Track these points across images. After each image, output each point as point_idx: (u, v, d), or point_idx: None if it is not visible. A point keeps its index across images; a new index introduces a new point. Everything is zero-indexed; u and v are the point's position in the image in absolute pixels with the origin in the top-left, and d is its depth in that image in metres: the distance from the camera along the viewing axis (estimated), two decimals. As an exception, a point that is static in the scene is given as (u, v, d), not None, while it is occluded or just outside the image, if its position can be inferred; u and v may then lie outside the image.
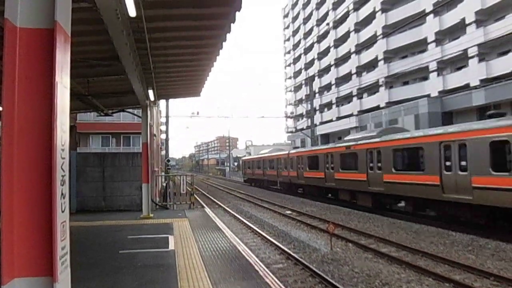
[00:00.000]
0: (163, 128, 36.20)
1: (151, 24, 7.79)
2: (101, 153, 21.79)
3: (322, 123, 53.42)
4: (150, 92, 13.23)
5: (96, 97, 13.83)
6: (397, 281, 8.50)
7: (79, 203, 17.43)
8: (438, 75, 33.17)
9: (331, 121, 51.08)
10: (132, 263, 8.19)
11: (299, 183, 30.17)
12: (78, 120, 32.30)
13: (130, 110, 19.33)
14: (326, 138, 52.01)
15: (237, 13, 7.99)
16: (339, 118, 48.65)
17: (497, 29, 25.09)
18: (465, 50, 27.53)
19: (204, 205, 23.88)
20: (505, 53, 27.30)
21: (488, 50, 28.63)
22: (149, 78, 12.13)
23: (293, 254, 10.83)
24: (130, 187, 18.01)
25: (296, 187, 31.78)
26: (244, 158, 51.95)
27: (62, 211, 3.00)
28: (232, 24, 8.49)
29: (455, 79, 31.13)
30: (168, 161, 30.30)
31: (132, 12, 6.37)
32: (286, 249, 11.45)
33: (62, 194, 2.99)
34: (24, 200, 2.80)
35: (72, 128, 31.14)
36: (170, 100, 31.28)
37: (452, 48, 29.09)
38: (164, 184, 25.00)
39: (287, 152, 34.21)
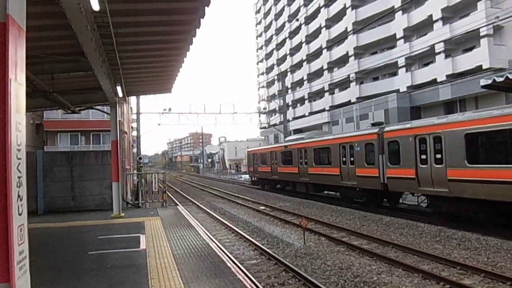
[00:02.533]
0: (135, 125, 35.56)
1: (117, 18, 7.56)
2: (69, 151, 21.13)
3: (295, 118, 53.75)
4: (119, 89, 12.91)
5: (62, 94, 13.38)
6: (368, 273, 8.66)
7: (47, 204, 16.89)
8: (407, 70, 33.93)
9: (303, 116, 51.45)
10: (102, 264, 7.99)
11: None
12: (45, 118, 31.23)
13: (99, 108, 18.84)
14: (298, 133, 52.33)
15: (206, 8, 7.89)
16: (311, 113, 49.05)
17: (462, 26, 25.88)
18: (432, 46, 28.26)
19: (178, 203, 23.62)
20: (469, 49, 28.20)
21: (454, 47, 29.49)
22: (117, 75, 11.82)
23: (266, 249, 10.86)
24: (100, 186, 17.59)
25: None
26: (253, 149, 37.89)
27: (20, 214, 2.85)
28: (201, 19, 8.37)
29: (423, 75, 31.92)
30: (140, 158, 29.80)
31: (95, 5, 6.17)
32: (259, 245, 11.47)
33: (19, 196, 2.84)
34: (-23, 204, 2.65)
35: (39, 126, 30.11)
36: (142, 97, 30.74)
37: (420, 44, 29.78)
38: (136, 182, 24.57)
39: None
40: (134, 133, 37.45)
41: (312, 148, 23.35)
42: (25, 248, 2.97)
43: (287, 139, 30.37)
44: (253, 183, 37.75)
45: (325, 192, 24.34)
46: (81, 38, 7.62)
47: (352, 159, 19.21)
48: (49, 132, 32.58)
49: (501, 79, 12.85)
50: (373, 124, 20.25)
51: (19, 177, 2.86)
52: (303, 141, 25.05)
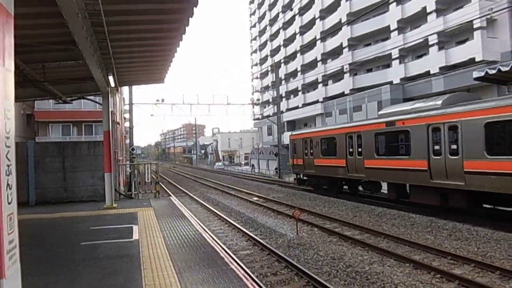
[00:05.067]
0: (127, 116, 35.33)
1: (108, 6, 7.43)
2: (61, 142, 20.90)
3: (288, 109, 53.72)
4: (111, 79, 12.76)
5: (53, 84, 13.19)
6: (360, 263, 8.73)
7: (38, 194, 16.75)
8: (400, 62, 33.96)
9: (297, 107, 51.43)
10: (94, 254, 7.96)
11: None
12: (36, 108, 30.88)
13: (91, 98, 18.64)
14: (292, 124, 52.44)
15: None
16: (305, 105, 49.04)
17: (455, 18, 25.89)
18: (426, 39, 28.27)
19: (171, 194, 23.61)
20: (463, 42, 28.26)
21: (447, 39, 29.53)
22: (109, 64, 11.67)
23: (259, 240, 10.91)
24: (93, 177, 17.47)
25: None
26: (303, 132, 25.22)
27: (9, 203, 2.81)
28: (194, 8, 8.26)
29: (416, 67, 31.96)
30: (133, 149, 29.64)
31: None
32: (252, 235, 11.51)
33: (8, 184, 2.80)
34: (-35, 192, 2.61)
35: (30, 116, 29.77)
36: (134, 88, 30.51)
37: (414, 36, 29.75)
38: (129, 173, 24.48)
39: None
40: (127, 124, 37.24)
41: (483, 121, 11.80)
42: (15, 237, 2.93)
43: (387, 110, 17.54)
44: (298, 182, 25.48)
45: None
46: (72, 26, 7.49)
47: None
48: (41, 122, 32.26)
49: (494, 72, 12.92)
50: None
51: (8, 166, 2.81)
52: (448, 110, 13.26)
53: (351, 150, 18.56)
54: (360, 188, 19.70)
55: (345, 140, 18.95)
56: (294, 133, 26.68)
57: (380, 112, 18.36)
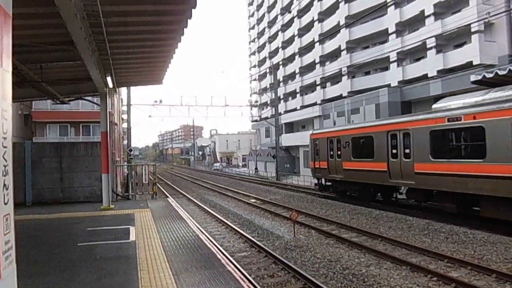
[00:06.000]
0: (125, 117, 35.29)
1: (107, 7, 7.44)
2: (58, 142, 20.85)
3: (286, 111, 53.77)
4: (109, 79, 12.73)
5: (50, 84, 13.16)
6: (357, 265, 8.74)
7: (35, 195, 16.70)
8: (398, 65, 34.05)
9: (295, 109, 51.48)
10: (91, 255, 7.93)
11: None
12: (33, 108, 30.81)
13: (89, 98, 18.62)
14: (290, 126, 52.47)
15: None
16: (303, 107, 49.09)
17: (454, 22, 26.01)
18: (424, 42, 28.37)
19: (168, 195, 23.57)
20: (460, 45, 28.37)
21: (445, 42, 29.64)
22: (107, 65, 11.65)
23: (257, 242, 10.90)
24: (90, 177, 17.43)
25: None
26: (327, 131, 22.16)
27: (5, 203, 2.80)
28: (193, 10, 8.27)
29: (414, 70, 32.06)
30: (131, 150, 29.63)
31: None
32: (250, 237, 11.50)
33: (5, 185, 2.79)
34: (-39, 193, 2.60)
35: (27, 117, 29.70)
36: (132, 88, 30.52)
37: (412, 39, 29.88)
38: (126, 175, 24.43)
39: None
40: (125, 125, 37.18)
41: None
42: (11, 238, 2.92)
43: (447, 102, 14.53)
44: (320, 188, 22.28)
45: None
46: (70, 27, 7.48)
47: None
48: (38, 123, 32.17)
49: (491, 75, 12.99)
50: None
51: (4, 166, 2.80)
52: None
53: (394, 151, 15.58)
54: (395, 195, 17.23)
55: (387, 140, 15.91)
56: (316, 131, 23.35)
57: (435, 105, 15.09)
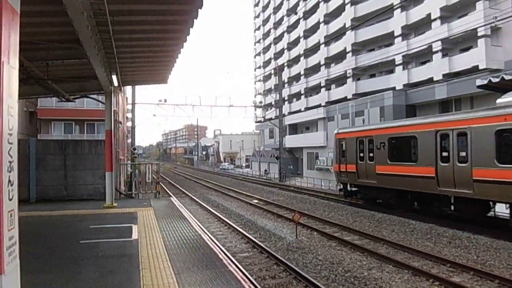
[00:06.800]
0: (130, 115, 35.38)
1: (113, 6, 7.46)
2: (63, 140, 20.93)
3: (290, 113, 53.71)
4: (114, 78, 12.78)
5: (56, 82, 13.25)
6: (359, 268, 8.72)
7: (39, 192, 16.77)
8: (403, 68, 33.93)
9: (299, 111, 51.41)
10: (93, 253, 7.96)
11: None
12: (39, 106, 30.98)
13: (94, 96, 18.69)
14: (294, 128, 52.40)
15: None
16: (307, 109, 49.01)
17: (460, 26, 25.90)
18: (430, 45, 28.27)
19: (171, 194, 23.62)
20: (466, 49, 28.24)
21: (451, 46, 29.52)
22: (112, 63, 11.70)
23: (259, 242, 10.90)
24: (94, 175, 17.49)
25: None
26: (353, 130, 20.20)
27: (10, 199, 2.82)
28: (199, 10, 8.29)
29: (419, 73, 31.94)
30: (134, 149, 29.68)
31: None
32: (252, 238, 11.50)
33: (9, 181, 2.82)
34: (-33, 188, 2.62)
35: (33, 114, 29.86)
36: (137, 87, 30.56)
37: (418, 42, 29.75)
38: (130, 173, 24.50)
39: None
40: (129, 124, 37.27)
41: None
42: (15, 234, 2.94)
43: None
44: (346, 194, 19.90)
45: None
46: (76, 25, 7.52)
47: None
48: (43, 120, 32.35)
49: (497, 80, 12.93)
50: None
51: (10, 162, 2.82)
52: None
53: (445, 154, 13.44)
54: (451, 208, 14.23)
55: (435, 140, 13.78)
56: (342, 130, 20.79)
57: (500, 100, 12.51)
